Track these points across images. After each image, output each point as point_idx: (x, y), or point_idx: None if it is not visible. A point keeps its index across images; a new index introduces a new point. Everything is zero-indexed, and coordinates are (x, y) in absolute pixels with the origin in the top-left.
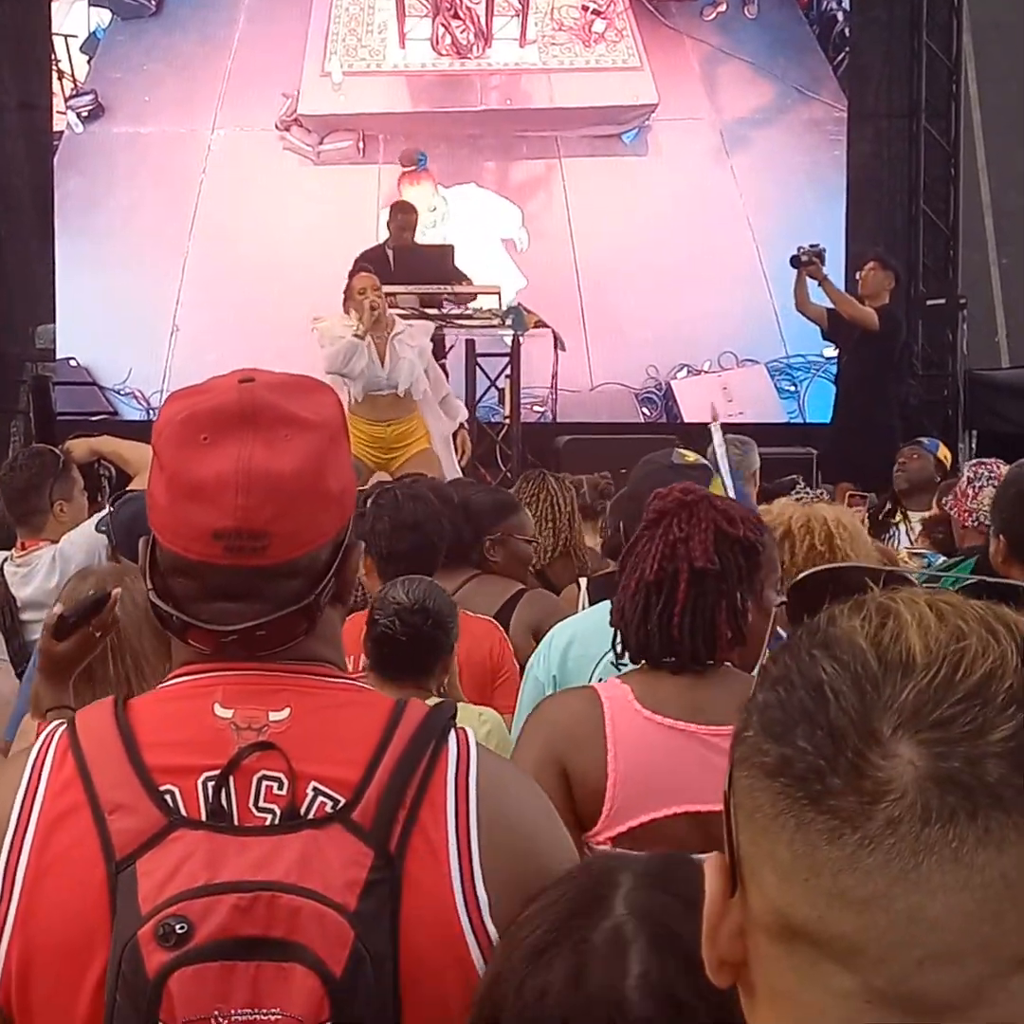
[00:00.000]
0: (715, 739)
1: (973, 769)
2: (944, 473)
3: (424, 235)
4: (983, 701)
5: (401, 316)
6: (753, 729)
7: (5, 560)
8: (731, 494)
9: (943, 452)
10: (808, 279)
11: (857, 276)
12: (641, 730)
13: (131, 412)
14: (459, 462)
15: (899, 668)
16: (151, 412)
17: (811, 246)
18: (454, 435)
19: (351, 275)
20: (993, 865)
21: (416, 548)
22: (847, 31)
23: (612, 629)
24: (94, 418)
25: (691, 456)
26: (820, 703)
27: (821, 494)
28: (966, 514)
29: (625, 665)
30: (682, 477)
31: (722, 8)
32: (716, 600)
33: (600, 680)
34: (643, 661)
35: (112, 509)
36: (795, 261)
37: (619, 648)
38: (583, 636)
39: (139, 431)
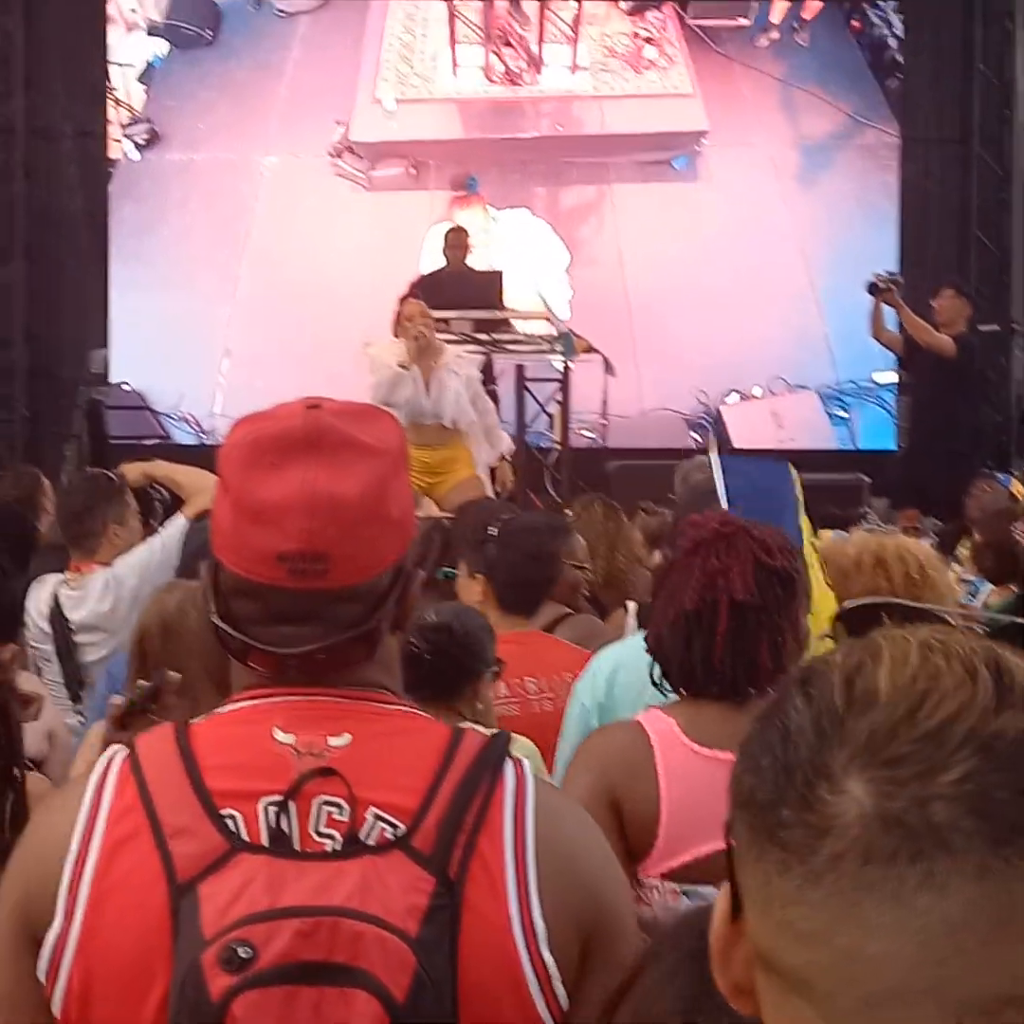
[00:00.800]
0: None
1: (920, 810)
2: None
3: (475, 256)
4: (939, 742)
5: (451, 342)
6: (738, 757)
7: (60, 583)
8: None
9: (1016, 487)
10: (884, 306)
11: (933, 303)
12: (690, 763)
13: (183, 436)
14: (500, 493)
15: (861, 705)
16: (203, 436)
17: (888, 273)
18: (494, 466)
19: (402, 300)
20: (934, 909)
21: (546, 580)
22: (899, 57)
23: (649, 656)
24: (147, 442)
25: None
26: (784, 736)
27: (892, 530)
28: None
29: (669, 692)
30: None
31: (774, 35)
32: (757, 632)
33: (648, 706)
34: (684, 690)
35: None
36: (872, 288)
37: (657, 676)
38: (629, 662)
39: (192, 455)
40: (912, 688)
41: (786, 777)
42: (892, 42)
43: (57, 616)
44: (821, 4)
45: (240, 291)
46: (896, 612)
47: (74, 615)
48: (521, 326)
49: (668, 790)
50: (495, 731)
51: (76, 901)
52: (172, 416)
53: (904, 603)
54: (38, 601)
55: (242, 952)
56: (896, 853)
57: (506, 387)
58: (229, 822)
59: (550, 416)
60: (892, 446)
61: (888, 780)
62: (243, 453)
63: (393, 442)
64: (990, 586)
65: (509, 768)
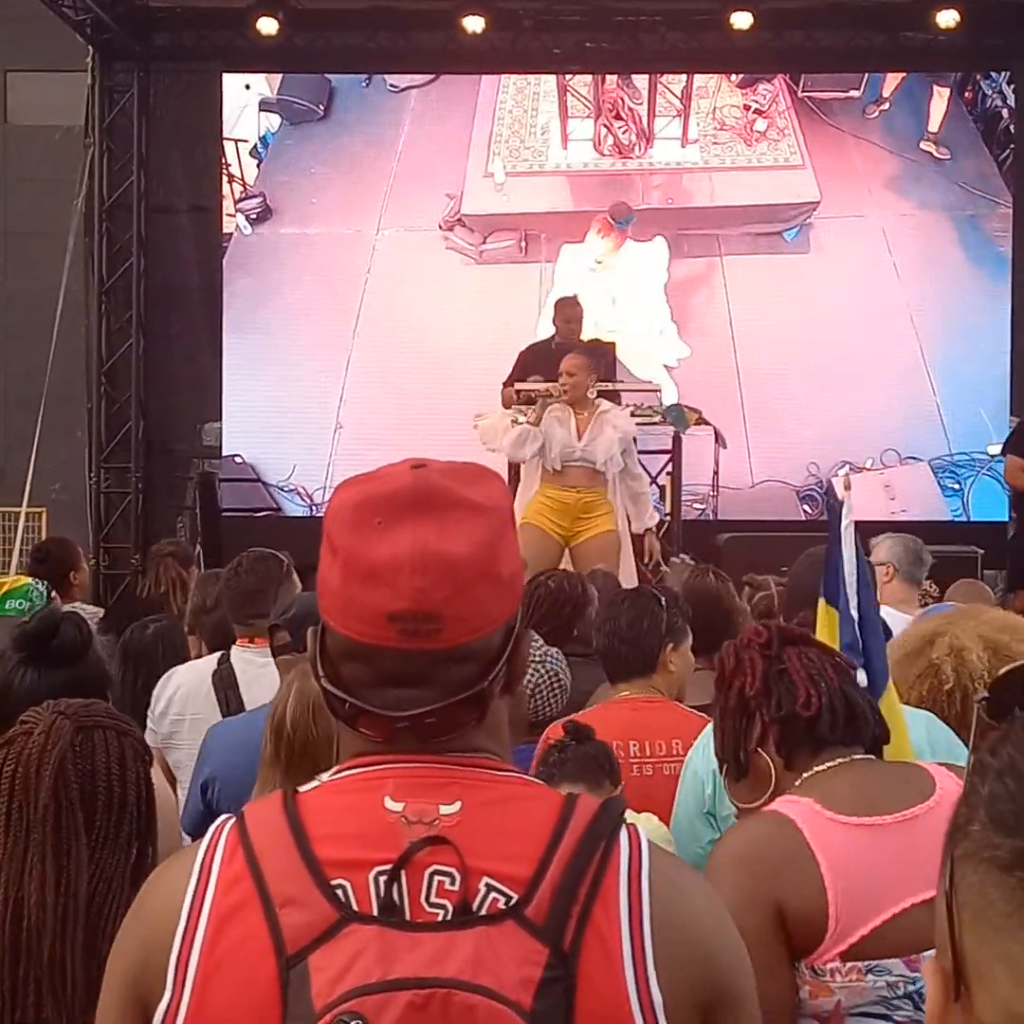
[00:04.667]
0: (904, 825)
1: None
2: None
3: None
4: None
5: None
6: (979, 822)
7: (231, 651)
8: (850, 592)
9: None
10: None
11: None
12: (842, 837)
13: (294, 508)
14: (646, 563)
15: None
16: (314, 508)
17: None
18: (642, 537)
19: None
20: None
21: (645, 644)
22: (1012, 128)
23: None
24: (258, 514)
25: None
26: None
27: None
28: None
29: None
30: None
31: (885, 106)
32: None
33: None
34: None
35: None
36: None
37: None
38: None
39: (302, 527)
40: None
41: None
42: (1005, 113)
43: (229, 679)
44: (933, 76)
45: (352, 364)
46: None
47: (261, 680)
48: (632, 398)
49: (831, 873)
50: (610, 797)
51: (186, 973)
52: (283, 488)
53: None
54: (192, 674)
55: None
56: None
57: None
58: (339, 892)
59: (661, 488)
60: (1005, 517)
61: None
62: (351, 514)
63: (500, 500)
64: None
65: (624, 836)
